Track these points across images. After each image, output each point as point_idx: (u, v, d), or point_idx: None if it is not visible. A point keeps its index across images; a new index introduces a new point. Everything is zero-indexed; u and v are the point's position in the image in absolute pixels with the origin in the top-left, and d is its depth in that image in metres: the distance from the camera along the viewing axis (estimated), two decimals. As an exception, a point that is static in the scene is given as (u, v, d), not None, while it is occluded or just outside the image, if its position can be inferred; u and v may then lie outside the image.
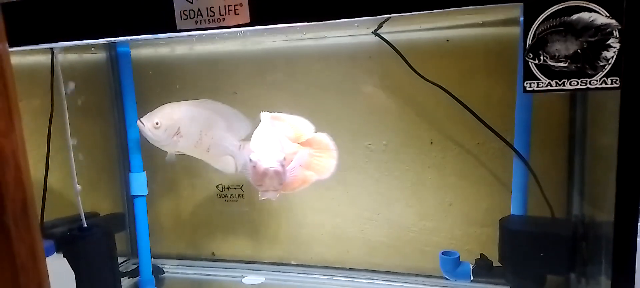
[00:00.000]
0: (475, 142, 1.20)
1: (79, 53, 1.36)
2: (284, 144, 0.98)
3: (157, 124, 1.07)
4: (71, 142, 1.15)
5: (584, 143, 1.06)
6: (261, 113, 1.04)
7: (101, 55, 1.45)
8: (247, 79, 1.34)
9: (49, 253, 1.04)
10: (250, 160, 0.89)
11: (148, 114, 1.10)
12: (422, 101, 1.22)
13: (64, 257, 1.09)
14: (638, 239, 0.69)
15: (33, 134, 1.22)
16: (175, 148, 1.11)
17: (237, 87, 1.35)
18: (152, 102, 1.16)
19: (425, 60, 1.17)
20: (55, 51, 1.11)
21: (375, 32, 1.17)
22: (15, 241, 0.58)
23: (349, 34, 1.23)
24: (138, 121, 1.08)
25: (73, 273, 1.07)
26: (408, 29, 1.18)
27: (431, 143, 1.24)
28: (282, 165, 0.89)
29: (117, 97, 1.43)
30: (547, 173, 1.10)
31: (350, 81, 1.26)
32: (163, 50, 1.39)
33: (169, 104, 1.12)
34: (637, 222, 0.69)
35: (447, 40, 1.18)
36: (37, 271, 0.74)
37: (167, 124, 1.08)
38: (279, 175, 0.89)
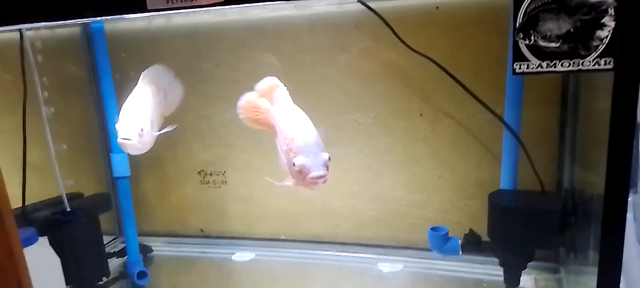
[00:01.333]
0: (465, 114, 1.17)
1: (51, 28, 1.30)
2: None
3: (141, 130, 0.99)
4: (47, 125, 1.11)
5: (576, 116, 1.03)
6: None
7: (75, 30, 1.38)
8: (229, 52, 1.29)
9: (32, 241, 1.01)
10: (293, 164, 0.82)
11: (120, 127, 0.99)
12: (411, 72, 1.18)
13: (48, 243, 1.07)
14: (627, 215, 0.68)
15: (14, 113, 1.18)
16: (153, 140, 1.05)
17: (220, 60, 1.30)
18: (131, 79, 1.09)
19: (414, 29, 1.12)
20: (24, 30, 1.06)
21: (360, 0, 1.11)
22: (-13, 242, 0.55)
23: (335, 2, 1.18)
24: (119, 139, 0.98)
25: (59, 259, 1.05)
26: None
27: (421, 115, 1.20)
28: (327, 166, 0.83)
29: (95, 74, 1.37)
30: (538, 145, 1.07)
31: (337, 52, 1.21)
32: (140, 24, 1.33)
33: (126, 104, 1.03)
34: (627, 198, 0.68)
35: (437, 7, 1.13)
36: (15, 269, 0.72)
37: (146, 124, 1.01)
38: (326, 181, 0.83)
